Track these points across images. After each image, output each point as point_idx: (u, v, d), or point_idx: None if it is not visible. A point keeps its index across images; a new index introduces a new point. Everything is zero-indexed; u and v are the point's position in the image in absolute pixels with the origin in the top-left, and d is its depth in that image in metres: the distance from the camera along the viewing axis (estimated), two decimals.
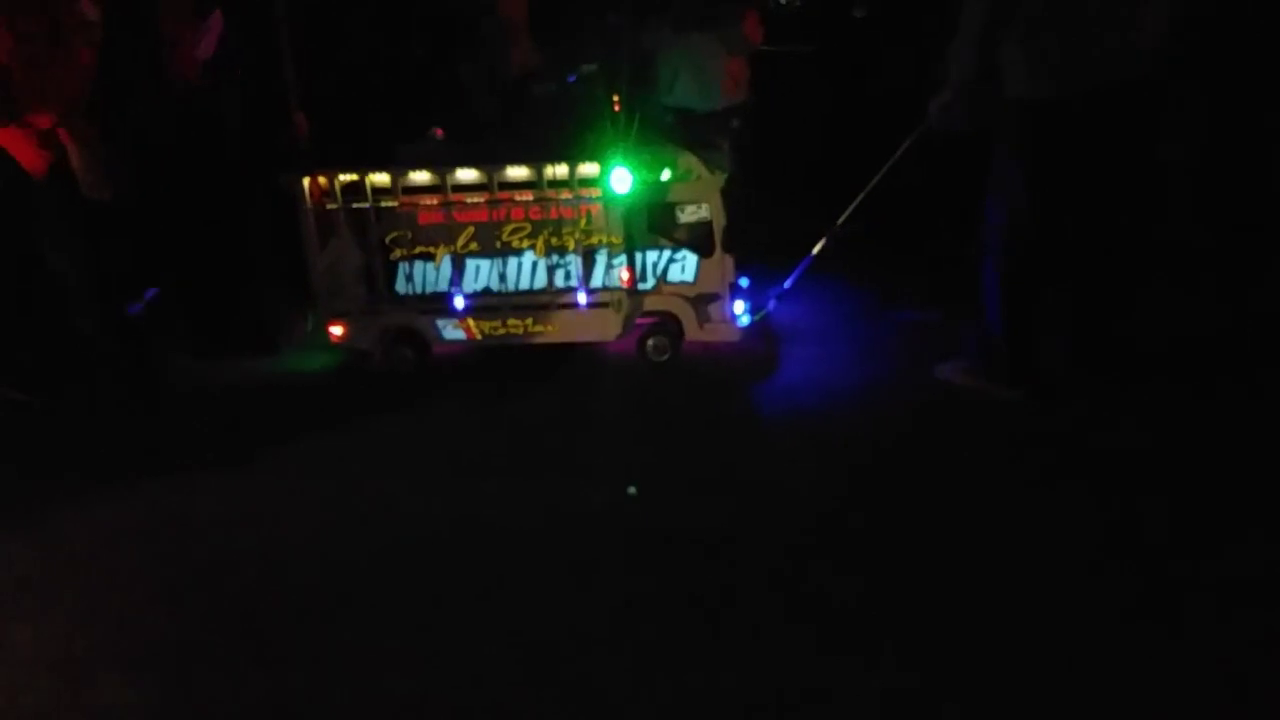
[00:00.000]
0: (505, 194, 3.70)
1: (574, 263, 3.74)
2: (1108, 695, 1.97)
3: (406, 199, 3.75)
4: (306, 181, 3.74)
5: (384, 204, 3.75)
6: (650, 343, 3.78)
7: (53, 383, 3.64)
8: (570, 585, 2.45)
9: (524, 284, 3.80)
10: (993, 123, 3.19)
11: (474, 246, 3.78)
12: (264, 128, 3.86)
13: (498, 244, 3.75)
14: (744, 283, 3.85)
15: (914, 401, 3.39)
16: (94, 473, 3.17)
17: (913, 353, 3.70)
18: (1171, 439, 3.02)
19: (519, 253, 3.77)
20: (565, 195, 3.67)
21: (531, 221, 3.71)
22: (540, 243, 3.73)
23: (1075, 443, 3.04)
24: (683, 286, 3.75)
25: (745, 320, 3.75)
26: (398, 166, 3.71)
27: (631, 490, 2.92)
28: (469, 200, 3.72)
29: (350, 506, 2.92)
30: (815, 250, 3.73)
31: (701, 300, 3.74)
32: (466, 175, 3.71)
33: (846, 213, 3.69)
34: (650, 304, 3.76)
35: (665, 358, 3.78)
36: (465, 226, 3.75)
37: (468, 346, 3.89)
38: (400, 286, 3.86)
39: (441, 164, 3.69)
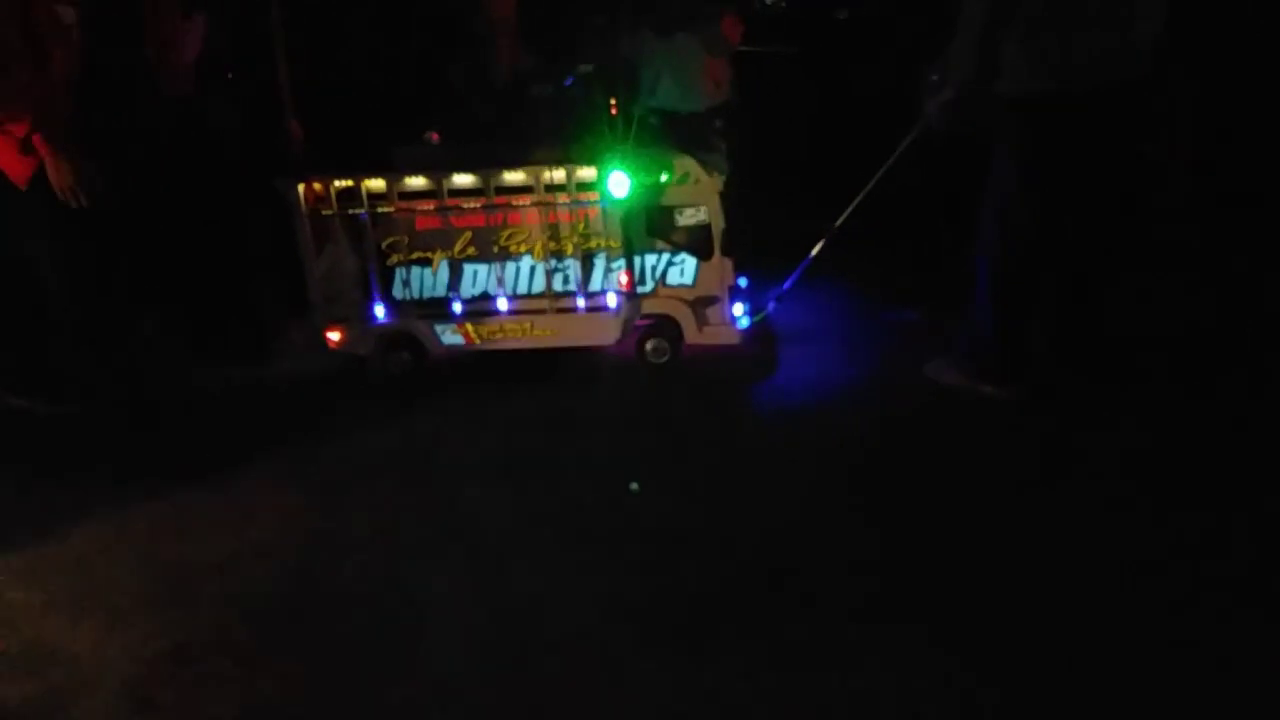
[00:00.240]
0: (502, 198, 3.69)
1: (573, 267, 3.73)
2: (1110, 698, 1.99)
3: (403, 204, 3.73)
4: (301, 187, 3.72)
5: (380, 209, 3.74)
6: (649, 345, 3.78)
7: (51, 388, 3.61)
8: (557, 585, 2.46)
9: (522, 289, 3.79)
10: (992, 123, 3.21)
11: (471, 251, 3.77)
12: (258, 133, 3.82)
13: (495, 249, 3.74)
14: (742, 283, 3.85)
15: (911, 402, 3.40)
16: (88, 478, 3.17)
17: (909, 353, 3.71)
18: (1168, 437, 3.04)
19: (517, 257, 3.76)
20: (563, 199, 3.66)
21: (529, 226, 3.70)
22: (538, 247, 3.72)
23: (1071, 442, 3.07)
24: (682, 290, 3.75)
25: (744, 323, 3.76)
26: (393, 172, 3.69)
27: (634, 487, 2.94)
28: (466, 205, 3.71)
29: (338, 509, 2.92)
30: (814, 252, 3.74)
31: (700, 303, 3.74)
32: (463, 180, 3.70)
33: (845, 214, 3.70)
34: (649, 307, 3.76)
35: (665, 360, 3.78)
36: (462, 231, 3.74)
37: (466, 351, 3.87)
38: (397, 292, 3.84)
39: (438, 169, 3.67)
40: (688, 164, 3.65)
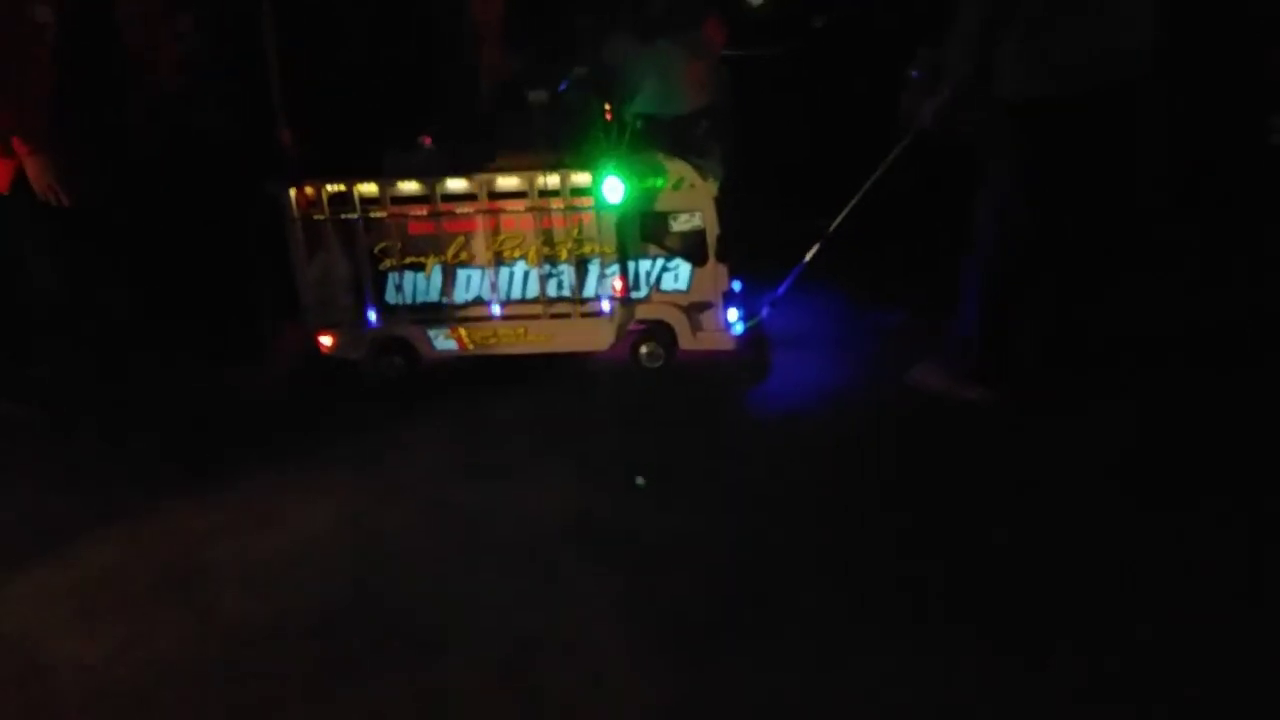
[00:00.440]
0: (496, 203, 3.67)
1: (567, 272, 3.72)
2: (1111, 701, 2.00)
3: (395, 209, 3.71)
4: (293, 192, 3.69)
5: (373, 214, 3.71)
6: (643, 350, 3.77)
7: (43, 394, 3.58)
8: (542, 589, 2.48)
9: (516, 294, 3.78)
10: (986, 124, 3.22)
11: (465, 256, 3.75)
12: (249, 135, 3.78)
13: (489, 254, 3.72)
14: (737, 287, 3.85)
15: (906, 405, 3.41)
16: (80, 487, 3.16)
17: (902, 356, 3.71)
18: (1164, 435, 3.08)
19: (511, 262, 3.74)
20: (558, 204, 3.64)
21: (524, 231, 3.69)
22: (533, 252, 3.70)
23: (1067, 442, 3.09)
24: (676, 295, 3.74)
25: (739, 328, 3.76)
26: (385, 177, 3.67)
27: (640, 481, 2.97)
28: (459, 210, 3.69)
29: (326, 514, 2.92)
30: (808, 257, 3.73)
31: (695, 308, 3.74)
32: (456, 185, 3.68)
33: (839, 219, 3.70)
34: (643, 312, 3.75)
35: (659, 365, 3.78)
36: (455, 236, 3.72)
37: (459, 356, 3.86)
38: (390, 297, 3.82)
39: (431, 174, 3.65)
40: (683, 169, 3.64)
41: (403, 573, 2.60)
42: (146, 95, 3.80)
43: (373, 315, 3.81)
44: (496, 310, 3.77)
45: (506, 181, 3.66)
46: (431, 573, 2.59)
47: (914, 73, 3.28)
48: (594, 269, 3.72)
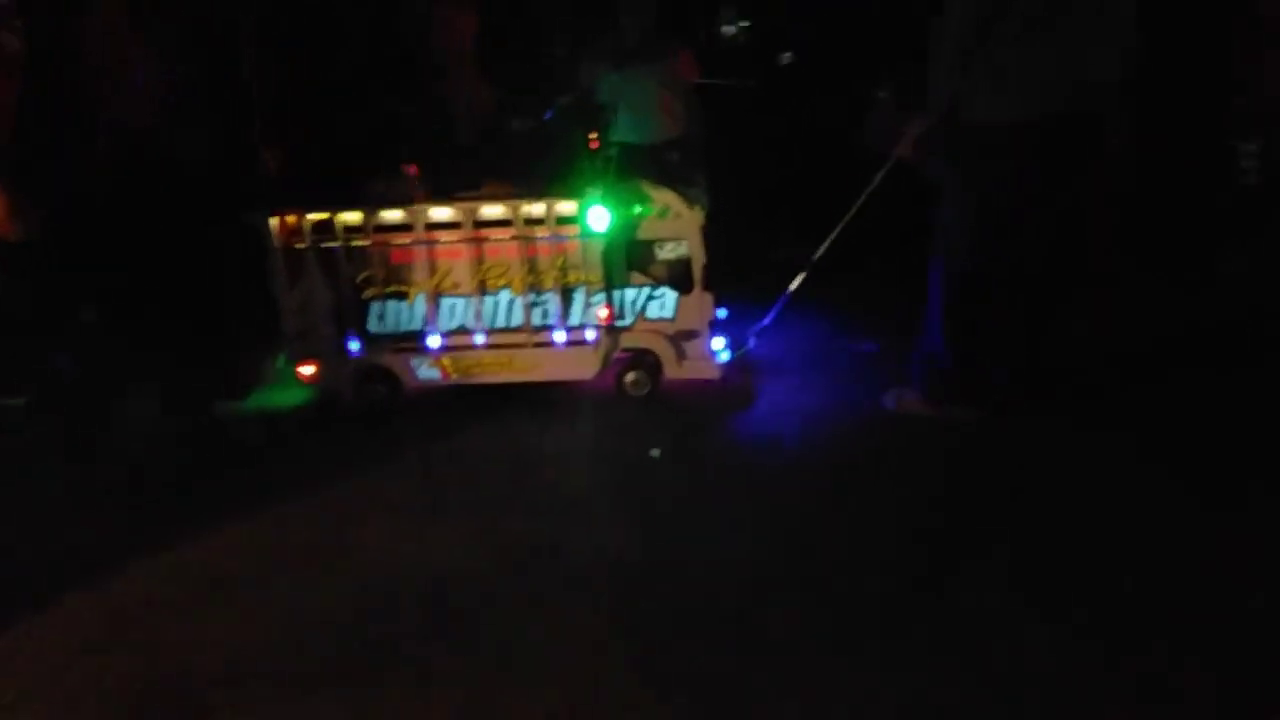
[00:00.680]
0: (480, 232, 3.65)
1: (552, 301, 3.70)
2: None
3: (378, 237, 3.68)
4: (275, 220, 3.65)
5: (355, 243, 3.68)
6: (629, 378, 3.76)
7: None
8: (522, 621, 2.44)
9: (500, 322, 3.76)
10: (949, 148, 3.27)
11: (448, 285, 3.72)
12: (230, 166, 3.74)
13: (473, 282, 3.70)
14: (722, 314, 3.85)
15: (892, 431, 3.42)
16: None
17: (881, 382, 3.74)
18: (1126, 450, 3.16)
19: (495, 291, 3.72)
20: (543, 233, 3.63)
21: (508, 260, 3.67)
22: (517, 281, 3.69)
23: (1039, 460, 3.14)
24: (662, 323, 3.74)
25: (725, 356, 3.76)
26: (369, 205, 3.64)
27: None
28: (443, 239, 3.67)
29: (304, 547, 2.87)
30: (792, 286, 3.75)
31: (680, 337, 3.73)
32: (440, 213, 3.66)
33: (823, 248, 3.72)
34: (628, 341, 3.74)
35: (644, 392, 3.77)
36: (439, 265, 3.69)
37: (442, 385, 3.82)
38: (372, 326, 3.78)
39: (415, 202, 3.63)
40: (669, 197, 3.64)
41: (381, 601, 2.56)
42: (114, 121, 3.73)
43: (355, 344, 3.77)
44: (480, 339, 3.74)
45: (491, 210, 3.65)
46: (410, 601, 2.54)
47: (881, 93, 3.32)
48: (579, 297, 3.71)
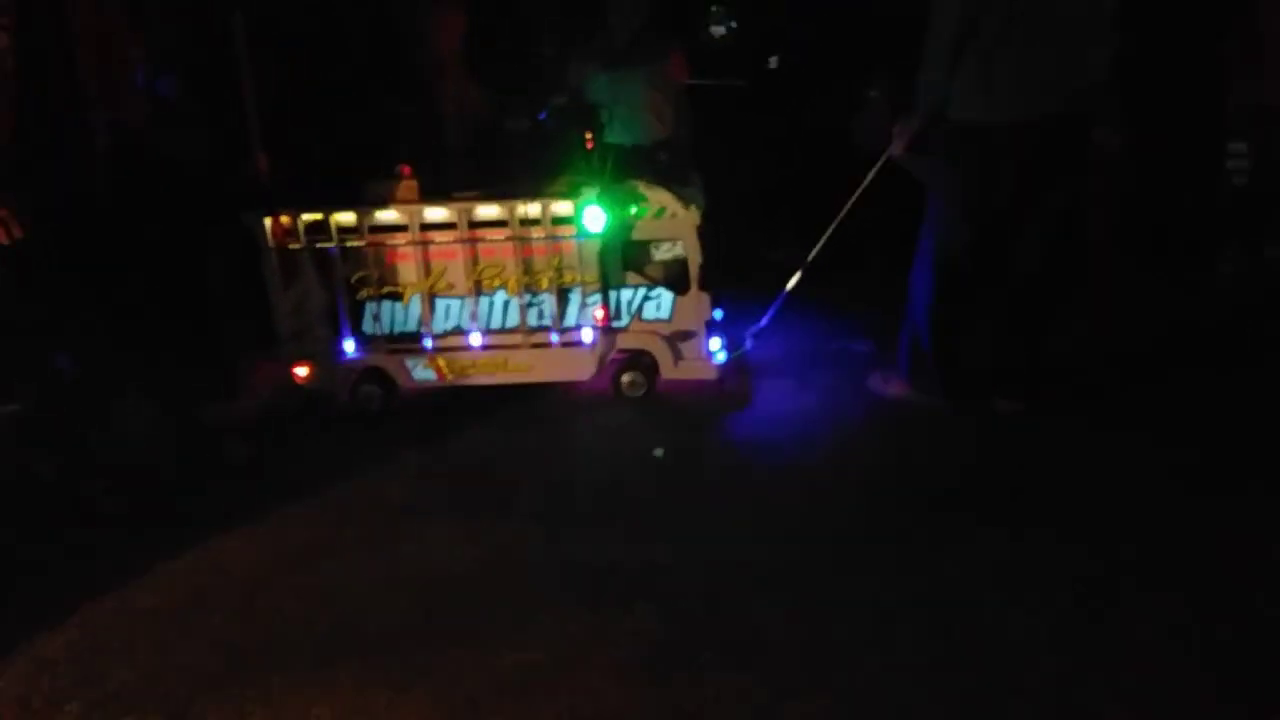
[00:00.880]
0: (476, 233, 3.64)
1: (548, 302, 3.69)
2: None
3: (373, 238, 3.66)
4: (268, 221, 3.63)
5: (349, 244, 3.67)
6: (625, 379, 3.75)
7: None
8: (520, 622, 2.41)
9: (496, 323, 3.74)
10: (933, 144, 3.28)
11: (444, 286, 3.71)
12: (223, 164, 3.72)
13: (469, 283, 3.68)
14: (718, 315, 3.85)
15: (890, 430, 3.43)
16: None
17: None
18: (1126, 450, 3.17)
19: (491, 292, 3.70)
20: (538, 233, 3.62)
21: (504, 260, 3.66)
22: (513, 282, 3.67)
23: (1040, 460, 3.15)
24: (658, 324, 3.73)
25: (722, 357, 3.75)
26: (363, 206, 3.63)
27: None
28: (438, 239, 3.66)
29: (300, 547, 2.84)
30: (788, 286, 3.75)
31: (677, 337, 3.73)
32: (436, 214, 3.64)
33: (817, 247, 3.72)
34: (625, 341, 3.73)
35: (641, 393, 3.75)
36: (434, 266, 3.68)
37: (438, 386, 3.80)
38: (367, 327, 3.77)
39: (410, 202, 3.62)
40: (665, 198, 3.64)
41: (379, 601, 2.54)
42: (113, 121, 3.71)
43: (350, 345, 3.75)
44: (476, 340, 3.73)
45: (487, 210, 3.63)
46: (406, 608, 2.52)
47: (872, 92, 3.33)
48: (575, 298, 3.70)
